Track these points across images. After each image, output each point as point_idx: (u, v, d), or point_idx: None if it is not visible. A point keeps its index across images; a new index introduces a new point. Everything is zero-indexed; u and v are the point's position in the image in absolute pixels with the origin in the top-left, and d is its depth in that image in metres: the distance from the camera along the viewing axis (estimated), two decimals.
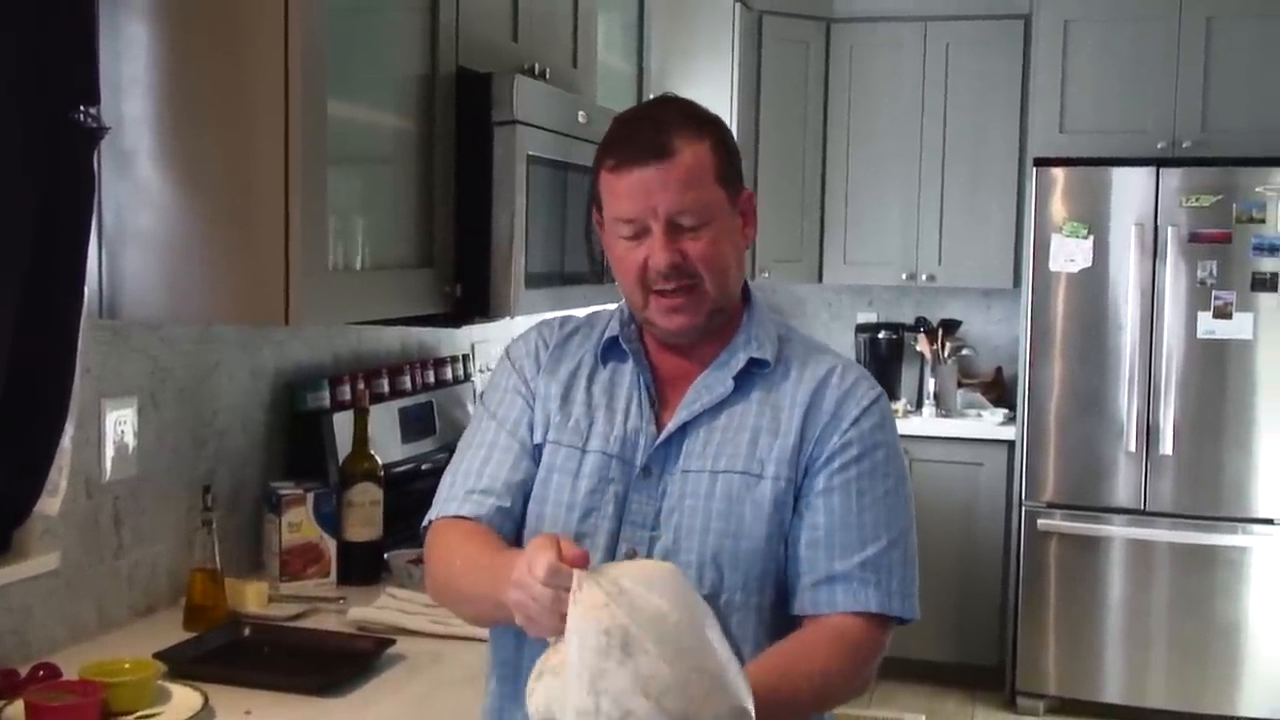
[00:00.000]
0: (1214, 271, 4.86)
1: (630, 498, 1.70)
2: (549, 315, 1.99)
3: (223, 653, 2.27)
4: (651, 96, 4.76)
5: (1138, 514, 5.00)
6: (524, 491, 1.74)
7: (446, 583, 1.72)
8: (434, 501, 1.78)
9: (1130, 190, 4.95)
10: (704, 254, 1.66)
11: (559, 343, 1.82)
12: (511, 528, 1.73)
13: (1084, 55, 5.12)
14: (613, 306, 1.85)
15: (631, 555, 1.67)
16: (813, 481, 1.68)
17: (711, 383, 1.73)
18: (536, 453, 1.76)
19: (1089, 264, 4.99)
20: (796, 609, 1.68)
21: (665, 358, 1.78)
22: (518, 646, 1.73)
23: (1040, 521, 5.09)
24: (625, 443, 1.72)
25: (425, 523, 1.78)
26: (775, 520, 1.67)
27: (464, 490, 1.74)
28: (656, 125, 1.67)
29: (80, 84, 2.06)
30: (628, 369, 1.77)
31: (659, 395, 1.75)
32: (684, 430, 1.71)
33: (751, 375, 1.73)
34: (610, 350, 1.79)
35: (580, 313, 1.92)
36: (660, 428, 1.72)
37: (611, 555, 1.68)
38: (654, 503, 1.69)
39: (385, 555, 2.79)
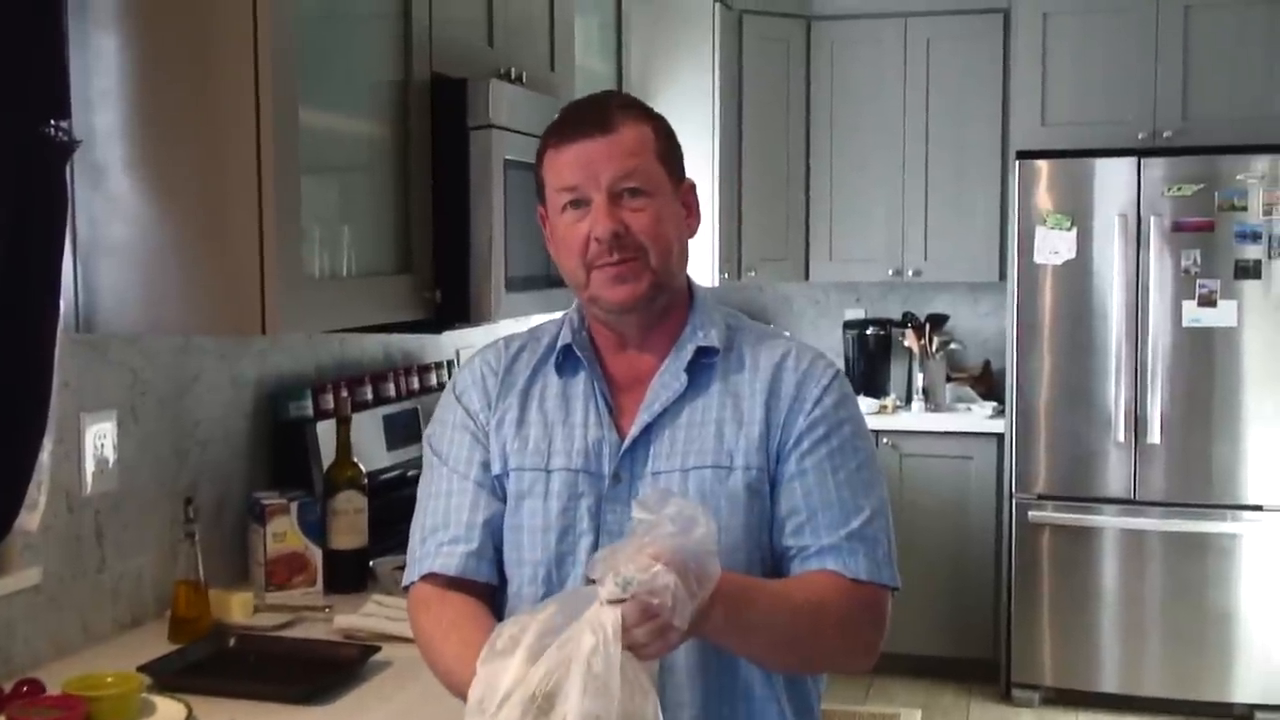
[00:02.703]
0: (1198, 260, 4.86)
1: (603, 508, 1.68)
2: (534, 319, 1.99)
3: (208, 664, 2.27)
4: None
5: (1128, 504, 5.00)
6: (491, 527, 1.73)
7: (434, 670, 1.71)
8: (407, 561, 1.78)
9: (1113, 181, 4.96)
10: (646, 225, 1.67)
11: (506, 366, 1.79)
12: (487, 566, 1.72)
13: (1064, 47, 5.12)
14: (559, 314, 1.84)
15: None
16: (785, 466, 1.68)
17: (667, 380, 1.71)
18: (499, 483, 1.74)
19: (1073, 255, 5.00)
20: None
21: (618, 362, 1.76)
22: None
23: (1031, 513, 5.09)
24: (588, 455, 1.70)
25: (405, 584, 1.78)
26: (752, 509, 1.67)
27: (434, 545, 1.72)
28: (599, 106, 1.72)
29: (50, 98, 2.05)
30: (580, 380, 1.75)
31: (615, 402, 1.74)
32: (648, 432, 1.69)
33: (705, 367, 1.72)
34: (564, 361, 1.77)
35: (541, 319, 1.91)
36: (621, 433, 1.71)
37: None
38: (626, 508, 1.65)
39: (371, 563, 2.79)
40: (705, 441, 1.68)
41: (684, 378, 1.71)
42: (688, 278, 1.80)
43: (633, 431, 1.69)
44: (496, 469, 1.74)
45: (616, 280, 1.68)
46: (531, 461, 1.72)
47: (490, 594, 1.73)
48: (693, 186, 1.77)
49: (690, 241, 1.79)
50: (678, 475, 1.67)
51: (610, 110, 1.70)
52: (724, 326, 1.76)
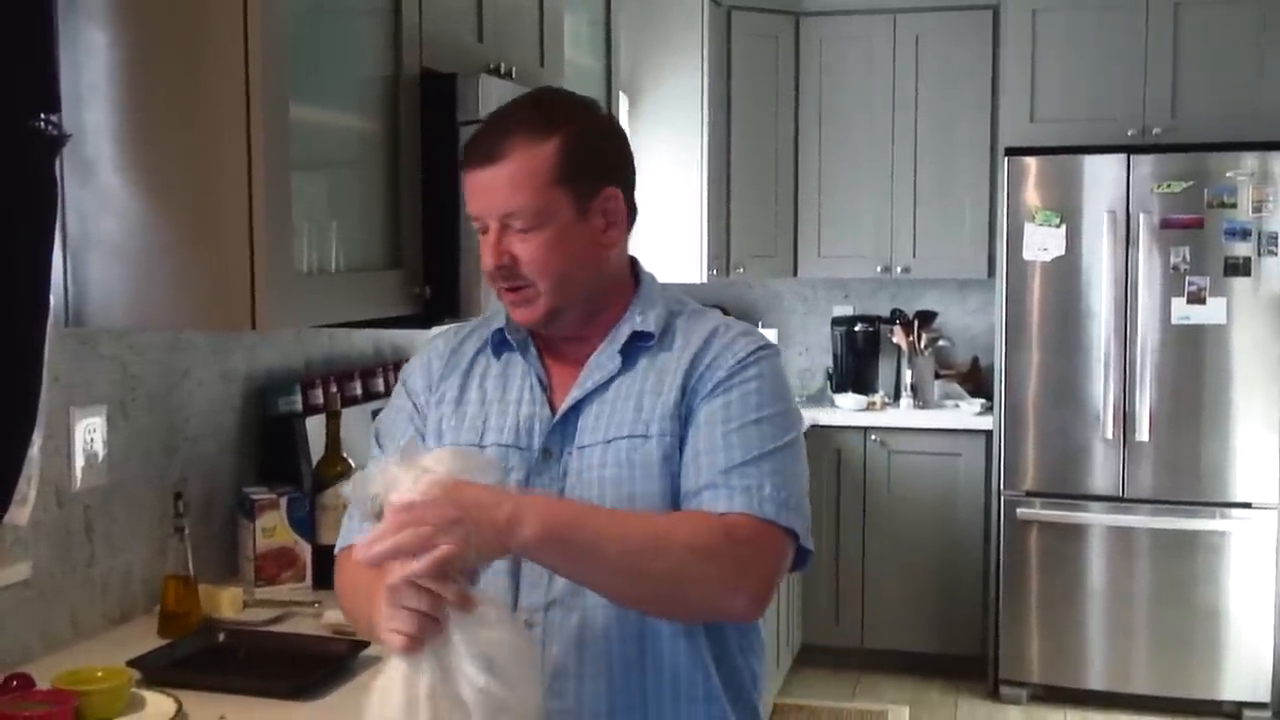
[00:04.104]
0: (1187, 257, 4.88)
1: (532, 483, 1.71)
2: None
3: (197, 659, 2.27)
4: (622, 95, 4.75)
5: (1116, 501, 5.02)
6: None
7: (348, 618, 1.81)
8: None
9: (1102, 178, 4.97)
10: (533, 257, 1.67)
11: (453, 348, 1.85)
12: None
13: (1053, 44, 5.13)
14: None
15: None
16: (688, 420, 1.69)
17: (602, 361, 1.75)
18: None
19: (1062, 252, 5.01)
20: None
21: (560, 345, 1.79)
22: None
23: (1020, 510, 5.10)
24: (519, 430, 1.74)
25: (336, 553, 1.84)
26: (666, 474, 1.68)
27: (356, 523, 1.77)
28: (499, 129, 1.69)
29: (40, 92, 2.05)
30: (519, 359, 1.79)
31: (554, 381, 1.77)
32: (578, 409, 1.73)
33: (639, 349, 1.75)
34: (501, 344, 1.81)
35: None
36: (554, 410, 1.74)
37: None
38: (556, 483, 1.71)
39: None
40: (626, 414, 1.70)
41: (618, 359, 1.73)
42: (635, 265, 1.83)
43: (562, 408, 1.73)
44: (432, 445, 1.77)
45: (514, 305, 1.72)
46: (466, 437, 1.76)
47: None
48: (615, 194, 1.72)
49: (629, 244, 1.79)
50: (599, 447, 1.70)
51: (507, 134, 1.67)
52: (664, 312, 1.78)
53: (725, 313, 1.86)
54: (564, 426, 1.72)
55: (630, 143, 1.84)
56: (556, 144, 1.66)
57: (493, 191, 1.66)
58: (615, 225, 1.73)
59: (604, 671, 1.67)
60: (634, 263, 1.85)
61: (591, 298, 1.74)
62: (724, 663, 1.73)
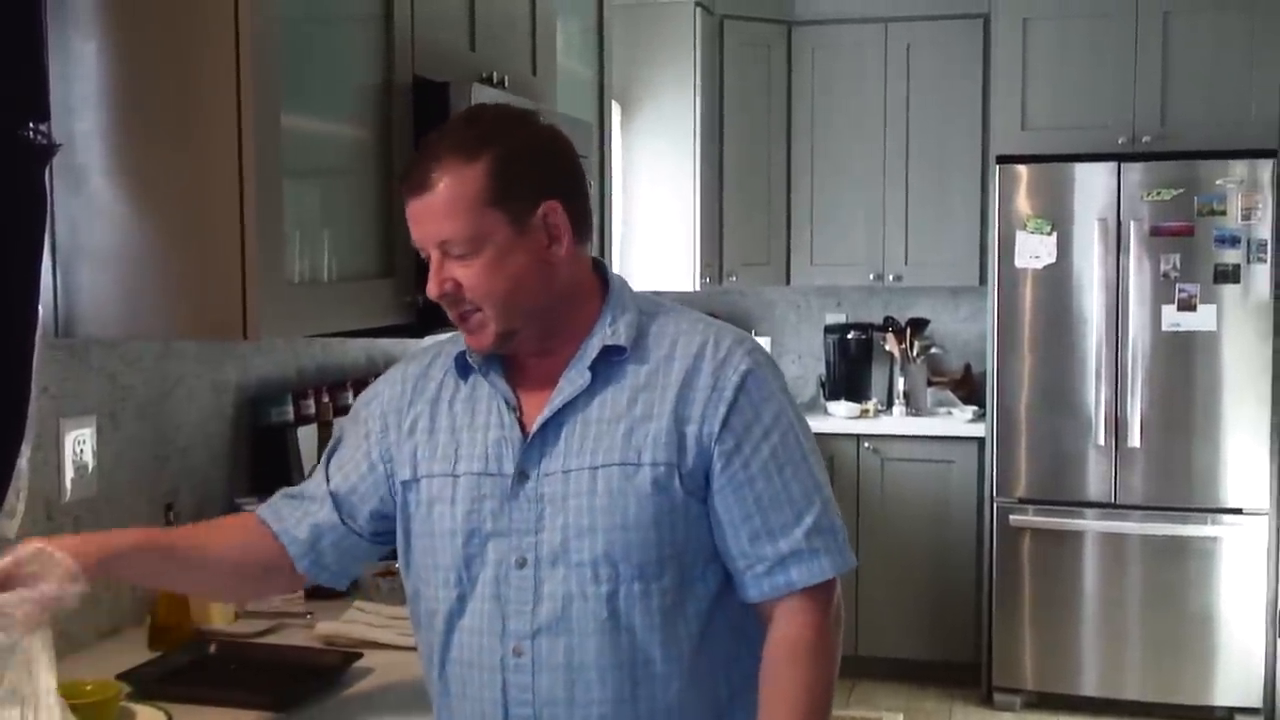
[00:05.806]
0: (1177, 264, 4.88)
1: (506, 508, 1.69)
2: None
3: (188, 671, 2.25)
4: (615, 104, 4.74)
5: (1108, 507, 5.02)
6: (312, 541, 1.86)
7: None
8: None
9: (1092, 185, 4.97)
10: (475, 283, 1.65)
11: (420, 373, 1.83)
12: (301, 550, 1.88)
13: (1043, 53, 5.14)
14: None
15: (522, 564, 1.68)
16: (728, 467, 1.68)
17: (572, 376, 1.71)
18: (406, 489, 1.78)
19: (1053, 260, 5.01)
20: (754, 595, 1.70)
21: (529, 361, 1.75)
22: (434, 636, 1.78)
23: (1012, 517, 5.10)
24: (489, 456, 1.71)
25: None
26: (660, 504, 1.66)
27: (283, 502, 1.92)
28: (430, 154, 1.67)
29: (30, 100, 2.04)
30: (486, 382, 1.76)
31: (523, 401, 1.74)
32: (555, 427, 1.69)
33: (616, 363, 1.71)
34: (465, 366, 1.78)
35: None
36: (525, 432, 1.71)
37: (500, 569, 1.69)
38: (534, 505, 1.68)
39: None
40: (614, 439, 1.67)
41: (588, 375, 1.70)
42: (599, 267, 1.79)
43: (533, 428, 1.70)
44: (406, 475, 1.78)
45: (466, 333, 1.72)
46: (440, 467, 1.75)
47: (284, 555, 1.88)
48: (554, 207, 1.68)
49: (587, 250, 1.76)
50: (587, 473, 1.67)
51: (437, 160, 1.65)
52: (635, 319, 1.74)
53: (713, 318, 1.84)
54: (539, 447, 1.69)
55: (570, 154, 1.76)
56: (485, 165, 1.64)
57: (427, 220, 1.65)
58: (559, 238, 1.69)
59: (594, 700, 1.66)
60: (599, 265, 1.80)
61: (546, 314, 1.70)
62: (722, 690, 1.73)
